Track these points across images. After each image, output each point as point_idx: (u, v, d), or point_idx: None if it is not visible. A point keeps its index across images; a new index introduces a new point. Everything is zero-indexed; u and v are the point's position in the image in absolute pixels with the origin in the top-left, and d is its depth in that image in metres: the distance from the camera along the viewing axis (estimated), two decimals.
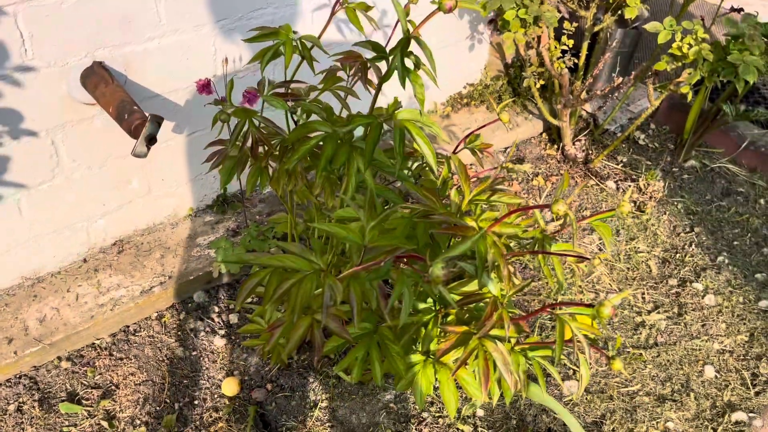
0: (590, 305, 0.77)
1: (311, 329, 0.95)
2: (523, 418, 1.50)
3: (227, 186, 1.73)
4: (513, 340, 1.01)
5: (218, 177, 1.83)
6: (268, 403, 1.50)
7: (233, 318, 1.67)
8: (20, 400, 1.43)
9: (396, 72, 0.95)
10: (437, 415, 1.49)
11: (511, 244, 1.06)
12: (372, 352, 1.08)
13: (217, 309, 1.69)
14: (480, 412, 1.51)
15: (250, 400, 1.50)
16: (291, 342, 0.94)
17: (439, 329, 1.03)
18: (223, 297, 1.72)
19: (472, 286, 1.01)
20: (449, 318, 1.11)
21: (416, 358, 1.13)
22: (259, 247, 1.69)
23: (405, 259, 0.76)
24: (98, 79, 1.34)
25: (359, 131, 1.11)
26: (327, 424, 1.46)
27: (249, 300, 1.71)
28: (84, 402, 1.45)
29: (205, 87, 1.33)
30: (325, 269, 0.81)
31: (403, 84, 0.93)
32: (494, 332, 0.92)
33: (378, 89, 1.05)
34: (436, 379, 1.12)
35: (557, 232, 1.06)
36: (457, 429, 1.47)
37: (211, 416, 1.46)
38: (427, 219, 0.94)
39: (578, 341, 0.80)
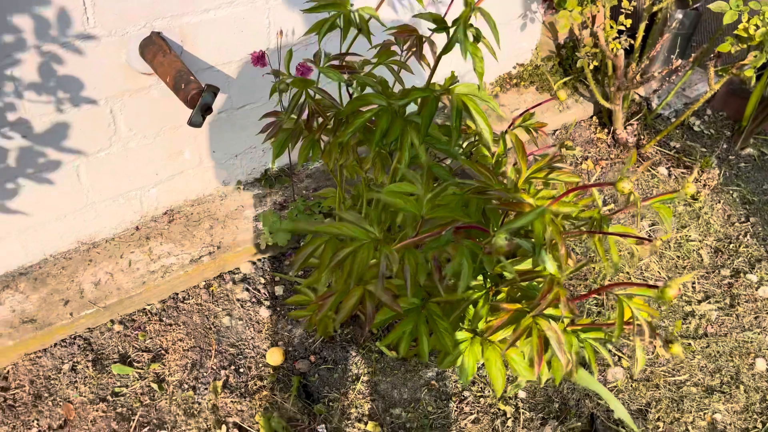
0: (653, 286, 0.75)
1: (363, 300, 0.95)
2: (566, 402, 1.49)
3: (275, 160, 1.75)
4: (566, 321, 0.99)
5: (267, 151, 1.85)
6: (311, 375, 1.52)
7: (278, 290, 1.69)
8: (74, 359, 1.49)
9: (458, 45, 0.94)
10: (478, 394, 1.49)
11: (565, 225, 1.05)
12: (420, 326, 1.08)
13: (262, 280, 1.71)
14: (522, 394, 1.50)
15: (293, 371, 1.52)
16: (342, 312, 0.95)
17: (488, 307, 1.02)
18: (268, 269, 1.74)
19: (525, 265, 1.00)
20: (499, 296, 1.10)
21: (463, 335, 1.13)
22: (305, 221, 1.70)
23: (463, 232, 0.75)
24: (156, 49, 1.36)
25: (412, 106, 1.10)
26: (369, 398, 1.47)
27: (294, 273, 1.73)
28: (135, 364, 1.49)
29: (259, 59, 1.34)
30: (381, 239, 0.81)
31: (464, 56, 0.92)
32: (548, 312, 0.91)
33: (437, 62, 1.04)
34: (482, 357, 1.12)
35: (612, 215, 1.04)
36: (499, 409, 1.46)
37: (255, 384, 1.49)
38: (483, 195, 0.93)
39: (638, 323, 0.78)
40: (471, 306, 1.11)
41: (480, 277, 1.11)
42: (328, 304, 0.98)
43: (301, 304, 1.32)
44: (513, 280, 1.04)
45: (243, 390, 1.48)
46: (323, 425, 1.42)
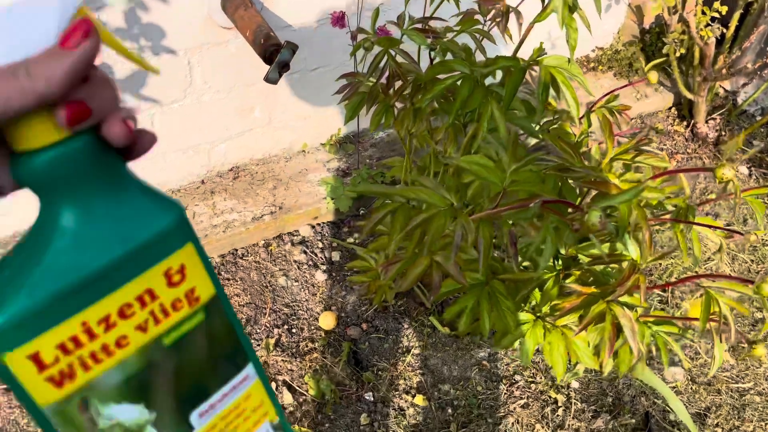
0: (748, 281, 0.71)
1: (429, 270, 0.93)
2: (620, 397, 1.45)
3: (346, 124, 1.74)
4: (639, 311, 0.95)
5: (334, 117, 1.84)
6: (362, 342, 1.52)
7: (335, 255, 1.69)
8: None
9: (553, 14, 0.90)
10: (529, 379, 1.46)
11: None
12: (482, 303, 1.06)
13: (320, 245, 1.72)
14: (575, 384, 1.46)
15: (344, 336, 1.52)
16: (406, 280, 0.93)
17: (557, 289, 0.99)
18: (326, 234, 1.74)
19: (596, 250, 0.96)
20: (567, 280, 1.06)
21: (525, 316, 1.10)
22: (379, 185, 1.69)
23: (548, 207, 0.72)
24: (238, 2, 1.36)
25: (491, 78, 1.06)
26: (418, 371, 1.46)
27: (351, 240, 1.73)
28: None
29: (339, 20, 1.32)
30: (459, 208, 0.78)
31: (561, 25, 0.88)
32: (622, 299, 0.88)
33: (528, 30, 1.00)
34: (543, 341, 1.09)
35: (698, 206, 0.99)
36: (550, 396, 1.43)
37: (306, 346, 1.50)
38: (566, 173, 0.89)
39: (724, 318, 0.74)
40: (537, 288, 1.08)
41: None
42: (392, 271, 0.96)
43: (360, 269, 1.31)
44: (584, 263, 1.00)
45: (294, 350, 1.49)
46: (371, 393, 1.42)
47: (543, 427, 1.38)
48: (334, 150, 1.86)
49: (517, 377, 1.47)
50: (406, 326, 1.55)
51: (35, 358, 0.30)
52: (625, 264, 0.94)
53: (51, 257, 0.29)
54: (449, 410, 1.40)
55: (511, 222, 0.80)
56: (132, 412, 0.34)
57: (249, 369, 0.40)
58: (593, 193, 0.89)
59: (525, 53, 1.02)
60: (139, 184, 0.33)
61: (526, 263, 1.16)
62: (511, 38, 1.16)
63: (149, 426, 0.35)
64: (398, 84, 1.12)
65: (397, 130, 1.25)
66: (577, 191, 1.04)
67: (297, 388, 1.42)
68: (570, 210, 0.77)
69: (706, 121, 2.10)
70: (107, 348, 0.32)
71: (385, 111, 1.22)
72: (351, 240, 1.73)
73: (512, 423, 1.38)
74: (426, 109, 1.15)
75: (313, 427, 1.35)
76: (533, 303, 1.18)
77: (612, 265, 0.99)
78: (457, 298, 1.30)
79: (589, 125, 1.08)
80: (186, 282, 0.34)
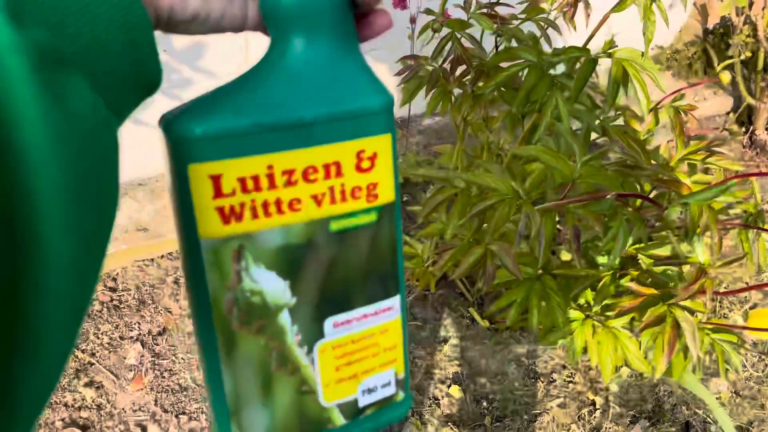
0: None
1: (483, 259, 0.92)
2: (661, 404, 1.42)
3: (402, 106, 1.72)
4: (699, 316, 0.92)
5: None
6: None
7: None
8: (178, 273, 1.54)
9: (635, 5, 0.87)
10: (567, 379, 1.44)
11: None
12: (532, 298, 1.04)
13: None
14: (614, 388, 1.43)
15: None
16: (460, 268, 0.92)
17: (613, 288, 0.96)
18: None
19: (663, 250, 0.93)
20: (622, 280, 1.04)
21: (575, 314, 1.08)
22: (414, 176, 1.67)
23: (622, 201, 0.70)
24: None
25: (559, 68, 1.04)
26: (454, 362, 1.45)
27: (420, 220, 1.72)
28: None
29: (401, 1, 1.31)
30: (524, 197, 0.76)
31: (642, 16, 0.85)
32: (683, 303, 0.85)
33: (602, 21, 0.97)
34: (592, 340, 1.06)
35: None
36: (588, 398, 1.41)
37: None
38: (632, 170, 0.86)
39: None
40: (588, 288, 1.05)
41: (602, 257, 1.05)
42: (446, 258, 0.95)
43: (405, 254, 1.30)
44: (644, 264, 0.97)
45: None
46: None
47: (579, 428, 1.35)
48: None
49: (555, 376, 1.45)
50: (445, 316, 1.54)
51: (215, 181, 0.29)
52: (686, 267, 0.91)
53: (265, 90, 0.30)
54: (484, 403, 1.38)
55: (575, 216, 0.78)
56: (276, 286, 0.32)
57: (396, 301, 0.37)
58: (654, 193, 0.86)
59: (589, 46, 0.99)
60: (363, 60, 0.33)
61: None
62: (575, 29, 1.13)
63: (285, 311, 0.33)
64: (461, 69, 1.10)
65: (453, 116, 1.23)
66: (639, 189, 1.01)
67: None
68: (638, 205, 0.75)
69: (766, 128, 2.03)
70: (280, 204, 0.31)
71: (442, 96, 1.21)
72: (421, 220, 1.72)
73: (548, 421, 1.36)
74: (486, 96, 1.13)
75: None
76: (582, 301, 1.16)
77: (672, 268, 0.96)
78: (501, 292, 1.28)
79: (656, 123, 1.05)
80: (372, 173, 0.33)
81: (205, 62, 1.45)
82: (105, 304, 1.47)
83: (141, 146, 1.55)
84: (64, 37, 0.21)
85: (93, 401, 1.31)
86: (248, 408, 0.34)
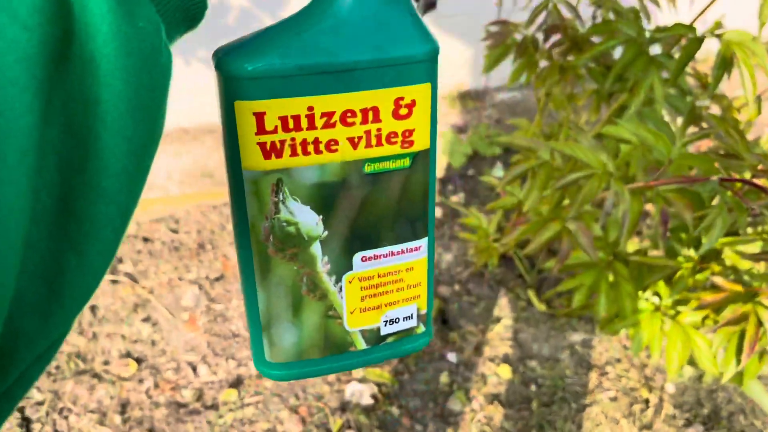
0: None
1: (559, 236, 0.88)
2: (717, 411, 1.36)
3: (465, 80, 1.68)
4: None
5: (460, 68, 1.79)
6: (452, 302, 1.49)
7: (436, 212, 1.66)
8: None
9: None
10: (621, 374, 1.40)
11: None
12: (601, 283, 1.00)
13: None
14: (670, 388, 1.38)
15: (436, 293, 1.50)
16: (534, 244, 0.89)
17: (691, 281, 0.92)
18: None
19: (751, 247, 0.88)
20: (699, 274, 0.99)
21: (645, 305, 1.03)
22: (483, 149, 1.63)
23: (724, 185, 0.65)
24: None
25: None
26: (506, 342, 1.42)
27: (456, 199, 1.69)
28: None
29: None
30: (615, 173, 0.73)
31: None
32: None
33: (711, 2, 0.91)
34: (659, 334, 1.02)
35: None
36: (641, 395, 1.36)
37: None
38: (730, 159, 0.81)
39: None
40: (662, 280, 1.00)
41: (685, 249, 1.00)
42: (517, 231, 0.92)
43: (470, 227, 1.27)
44: (726, 259, 0.92)
45: None
46: (454, 354, 1.40)
47: (629, 424, 1.31)
48: (452, 104, 1.81)
49: (609, 368, 1.40)
50: (500, 296, 1.51)
51: (259, 118, 0.31)
52: None
53: (312, 34, 0.31)
54: (533, 387, 1.35)
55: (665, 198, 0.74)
56: (310, 219, 0.35)
57: (423, 242, 0.39)
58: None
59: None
60: (412, 7, 0.33)
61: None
62: (675, 5, 1.06)
63: (317, 242, 0.36)
64: (556, 38, 1.05)
65: (536, 88, 1.19)
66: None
67: None
68: (737, 190, 0.70)
69: None
70: (318, 144, 0.33)
71: (527, 66, 1.16)
72: (455, 199, 1.69)
73: (596, 413, 1.33)
74: (577, 70, 1.08)
75: (394, 375, 1.34)
76: (649, 293, 1.11)
77: (757, 268, 0.91)
78: (563, 277, 1.24)
79: (759, 113, 0.98)
80: (409, 121, 0.34)
81: (286, 13, 1.44)
82: (166, 244, 1.50)
83: (213, 93, 1.56)
84: None
85: (148, 336, 1.34)
86: (278, 324, 0.38)
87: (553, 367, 1.39)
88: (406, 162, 0.35)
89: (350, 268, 0.37)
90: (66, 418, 1.19)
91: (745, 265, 0.86)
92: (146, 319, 1.36)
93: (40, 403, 1.21)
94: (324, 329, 0.38)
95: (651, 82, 0.97)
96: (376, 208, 0.36)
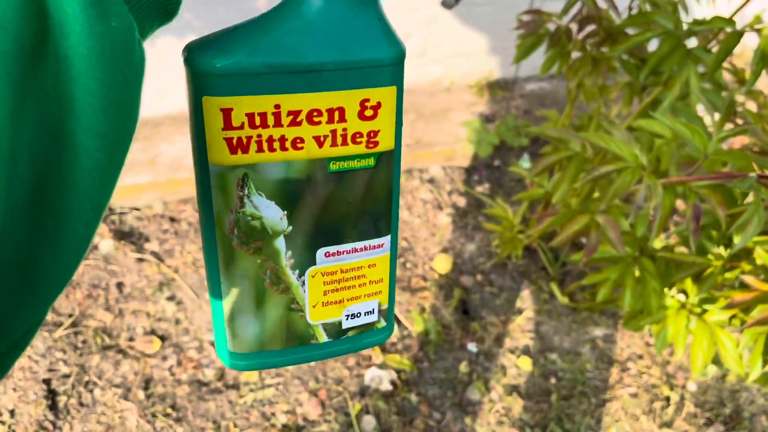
0: None
1: (588, 229, 0.88)
2: (739, 411, 1.34)
3: (494, 68, 1.67)
4: None
5: (490, 57, 1.77)
6: (474, 292, 1.49)
7: (461, 201, 1.66)
8: None
9: None
10: (643, 370, 1.39)
11: None
12: (627, 278, 0.99)
13: (448, 188, 1.68)
14: (692, 387, 1.37)
15: (457, 283, 1.50)
16: (562, 236, 0.88)
17: (721, 279, 0.90)
18: (457, 178, 1.70)
19: None
20: (727, 273, 0.97)
21: (671, 302, 1.02)
22: (511, 140, 1.62)
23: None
24: None
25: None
26: (527, 334, 1.42)
27: (481, 190, 1.68)
28: None
29: None
30: (648, 167, 0.72)
31: None
32: None
33: None
34: (683, 331, 1.01)
35: None
36: (662, 392, 1.35)
37: (418, 283, 1.49)
38: (765, 156, 0.79)
39: None
40: (689, 278, 0.99)
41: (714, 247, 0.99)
42: (546, 222, 0.91)
43: (495, 217, 1.27)
44: (755, 258, 0.91)
45: (405, 284, 1.48)
46: (474, 344, 1.40)
47: (648, 421, 1.30)
48: (480, 93, 1.80)
49: (630, 364, 1.39)
50: (522, 287, 1.50)
51: (226, 114, 0.32)
52: None
53: (280, 34, 0.32)
54: (552, 380, 1.35)
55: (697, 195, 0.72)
56: (275, 214, 0.36)
57: (386, 240, 0.40)
58: None
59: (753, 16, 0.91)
60: (380, 11, 0.34)
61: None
62: (713, 1, 1.04)
63: (281, 237, 0.37)
64: (590, 29, 1.04)
65: (568, 79, 1.17)
66: None
67: (402, 320, 1.41)
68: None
69: None
70: (284, 141, 0.34)
71: (559, 56, 1.15)
72: (480, 189, 1.68)
73: (616, 409, 1.32)
74: (610, 61, 1.07)
75: (413, 362, 1.35)
76: (674, 290, 1.10)
77: None
78: (586, 271, 1.24)
79: None
80: (374, 122, 0.35)
81: None
82: (192, 225, 1.52)
83: None
84: None
85: (172, 315, 1.36)
86: (241, 316, 0.39)
87: (573, 361, 1.39)
88: (371, 162, 0.36)
89: (313, 262, 0.38)
90: (91, 391, 1.22)
91: None
92: (171, 298, 1.38)
93: (67, 376, 1.24)
94: (286, 322, 0.39)
95: (687, 76, 0.95)
96: (340, 206, 0.37)
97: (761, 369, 0.93)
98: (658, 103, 1.03)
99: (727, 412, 1.34)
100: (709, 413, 1.33)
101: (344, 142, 0.35)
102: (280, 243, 0.37)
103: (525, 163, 1.66)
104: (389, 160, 0.37)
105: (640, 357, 1.41)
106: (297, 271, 0.38)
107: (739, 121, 1.00)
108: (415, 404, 1.29)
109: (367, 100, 0.34)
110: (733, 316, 0.99)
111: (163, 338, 1.32)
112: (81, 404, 1.20)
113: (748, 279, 0.80)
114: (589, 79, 1.12)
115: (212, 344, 1.32)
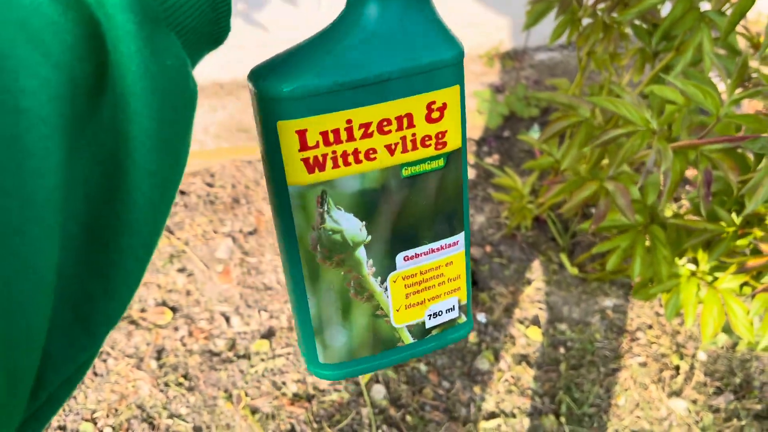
0: None
1: (596, 196, 0.87)
2: (750, 380, 1.34)
3: (504, 38, 1.64)
4: None
5: (499, 30, 1.75)
6: (483, 263, 1.49)
7: (469, 172, 1.65)
8: None
9: None
10: (652, 340, 1.39)
11: None
12: (637, 246, 0.98)
13: None
14: (702, 356, 1.37)
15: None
16: (571, 203, 0.87)
17: (733, 245, 0.90)
18: (468, 149, 1.69)
19: None
20: (738, 241, 0.96)
21: (681, 269, 1.02)
22: (521, 110, 1.61)
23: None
24: None
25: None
26: (536, 304, 1.42)
27: (490, 161, 1.67)
28: None
29: None
30: (658, 131, 0.70)
31: None
32: None
33: None
34: (693, 299, 1.00)
35: None
36: (671, 362, 1.35)
37: None
38: None
39: None
40: (699, 246, 0.98)
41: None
42: (555, 190, 0.91)
43: (504, 186, 1.26)
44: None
45: None
46: (484, 314, 1.40)
47: (658, 389, 1.31)
48: (490, 63, 1.78)
49: (640, 334, 1.39)
50: (532, 258, 1.50)
51: (301, 136, 0.33)
52: None
53: (342, 50, 0.32)
54: (561, 349, 1.35)
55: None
56: (354, 226, 0.37)
57: (460, 237, 0.41)
58: None
59: None
60: (435, 12, 0.34)
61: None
62: None
63: (362, 247, 0.38)
64: None
65: (579, 47, 1.15)
66: None
67: None
68: None
69: None
70: (357, 154, 0.34)
71: (570, 23, 1.13)
72: (490, 160, 1.67)
73: (625, 378, 1.32)
74: (621, 27, 1.05)
75: None
76: (685, 259, 1.09)
77: None
78: (596, 241, 1.23)
79: None
80: (441, 123, 0.35)
81: None
82: (201, 197, 1.52)
83: (249, 47, 1.56)
84: None
85: (183, 286, 1.37)
86: (329, 327, 0.40)
87: (583, 331, 1.39)
88: (441, 162, 0.37)
89: (394, 268, 0.39)
90: (105, 361, 1.24)
91: None
92: (181, 270, 1.39)
93: None
94: (372, 328, 0.41)
95: (700, 40, 0.93)
96: (414, 209, 0.38)
97: None
98: (670, 69, 1.01)
99: (737, 381, 1.34)
100: (719, 382, 1.33)
101: (414, 147, 0.36)
102: (360, 253, 0.38)
103: (535, 133, 1.64)
104: (458, 159, 0.37)
105: (650, 327, 1.41)
106: (379, 278, 0.39)
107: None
108: (424, 373, 1.30)
109: (433, 103, 0.35)
110: (745, 284, 0.98)
111: (174, 309, 1.33)
112: (95, 374, 1.22)
113: (761, 245, 0.80)
114: (600, 46, 1.11)
115: (223, 315, 1.33)
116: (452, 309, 0.43)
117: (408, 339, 0.42)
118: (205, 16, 0.25)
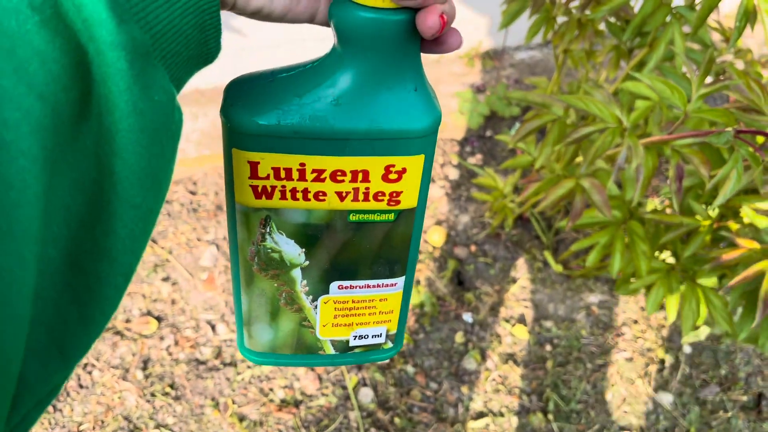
0: None
1: (572, 193, 0.87)
2: (735, 372, 1.35)
3: (483, 39, 1.65)
4: None
5: (479, 28, 1.75)
6: (468, 263, 1.49)
7: (453, 173, 1.65)
8: None
9: None
10: (638, 335, 1.39)
11: None
12: (616, 242, 0.99)
13: (440, 160, 1.67)
14: (687, 349, 1.38)
15: (451, 254, 1.50)
16: (546, 201, 0.88)
17: (709, 238, 0.90)
18: (447, 150, 1.69)
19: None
20: (717, 233, 0.97)
21: (659, 264, 1.02)
22: (501, 110, 1.61)
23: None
24: None
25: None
26: (522, 303, 1.42)
27: (473, 161, 1.68)
28: None
29: None
30: (629, 128, 0.71)
31: None
32: None
33: None
34: (674, 293, 1.01)
35: None
36: (657, 356, 1.36)
37: None
38: (749, 114, 0.79)
39: None
40: (678, 240, 0.99)
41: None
42: (531, 189, 0.91)
43: (485, 186, 1.26)
44: (742, 217, 0.90)
45: None
46: (470, 314, 1.40)
47: (644, 384, 1.31)
48: (470, 64, 1.78)
49: (625, 329, 1.40)
50: (516, 257, 1.50)
51: (253, 166, 0.34)
52: None
53: (311, 99, 0.32)
54: (548, 347, 1.36)
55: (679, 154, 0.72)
56: (294, 250, 0.38)
57: (400, 281, 0.42)
58: None
59: None
60: (421, 80, 0.33)
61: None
62: None
63: (299, 269, 0.39)
64: None
65: (554, 45, 1.16)
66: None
67: None
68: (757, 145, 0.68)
69: None
70: (306, 193, 0.35)
71: (545, 22, 1.13)
72: (473, 160, 1.67)
73: (611, 373, 1.33)
74: (595, 24, 1.05)
75: (409, 334, 1.36)
76: (666, 253, 1.10)
77: None
78: (579, 237, 1.24)
79: None
80: (398, 185, 0.36)
81: None
82: (184, 206, 1.52)
83: (227, 53, 1.55)
84: (145, 24, 0.22)
85: (168, 295, 1.37)
86: (257, 324, 0.42)
87: (569, 328, 1.39)
88: (391, 216, 0.37)
89: (327, 292, 0.41)
90: (90, 373, 1.23)
91: (763, 222, 0.84)
92: (166, 279, 1.39)
93: None
94: (297, 334, 0.43)
95: (671, 35, 0.94)
96: (357, 250, 0.39)
97: (753, 326, 0.93)
98: (645, 65, 1.02)
99: (722, 373, 1.35)
100: (705, 375, 1.34)
101: (366, 199, 0.36)
102: (296, 273, 0.39)
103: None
104: (410, 216, 0.38)
105: (635, 322, 1.41)
106: (311, 297, 0.41)
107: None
108: (411, 375, 1.30)
109: (393, 166, 0.35)
110: (723, 276, 0.99)
111: (159, 319, 1.33)
112: (80, 386, 1.21)
113: (735, 237, 0.80)
114: (575, 43, 1.11)
115: (209, 323, 1.33)
116: (379, 336, 0.44)
117: (330, 350, 0.44)
118: (192, 38, 0.25)
